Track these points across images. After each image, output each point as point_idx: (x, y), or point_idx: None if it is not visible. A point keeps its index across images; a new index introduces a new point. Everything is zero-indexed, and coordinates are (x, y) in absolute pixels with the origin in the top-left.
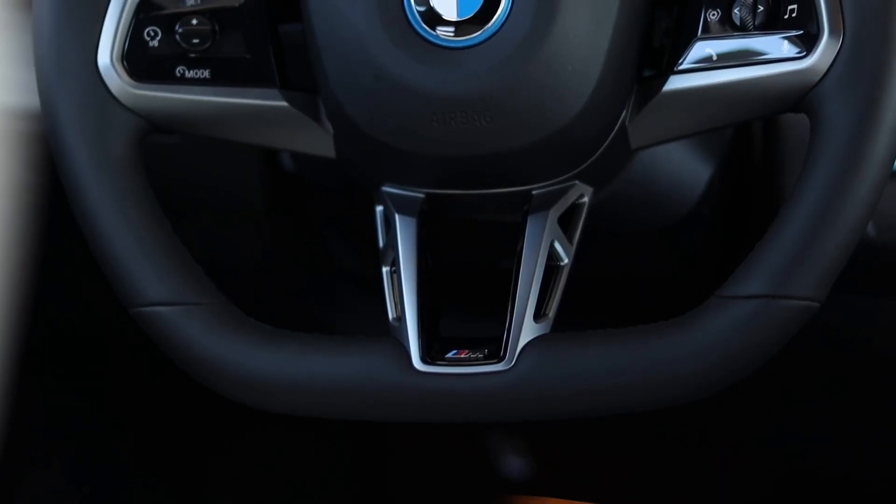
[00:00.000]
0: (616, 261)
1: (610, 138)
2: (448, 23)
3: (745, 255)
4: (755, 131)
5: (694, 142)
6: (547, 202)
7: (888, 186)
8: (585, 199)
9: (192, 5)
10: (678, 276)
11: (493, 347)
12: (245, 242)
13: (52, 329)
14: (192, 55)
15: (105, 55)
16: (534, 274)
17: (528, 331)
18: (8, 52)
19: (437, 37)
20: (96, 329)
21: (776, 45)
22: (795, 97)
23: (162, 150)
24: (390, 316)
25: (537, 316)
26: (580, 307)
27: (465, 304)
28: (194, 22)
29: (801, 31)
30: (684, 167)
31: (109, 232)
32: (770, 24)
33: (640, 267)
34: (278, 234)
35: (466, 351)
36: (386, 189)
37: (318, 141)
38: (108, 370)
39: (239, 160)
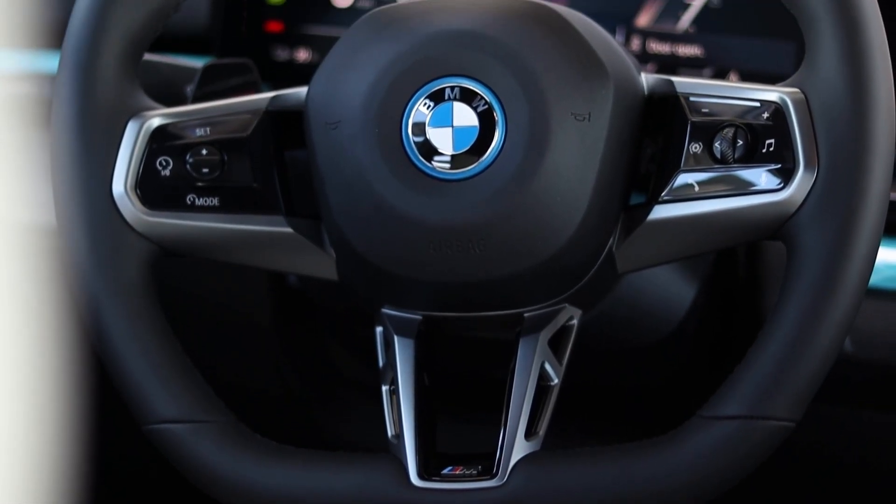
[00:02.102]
0: (603, 375)
1: (598, 264)
2: (444, 155)
3: (729, 370)
4: (738, 251)
5: (679, 263)
6: (538, 324)
7: (863, 304)
8: (574, 322)
9: (201, 136)
10: (664, 391)
11: (487, 464)
12: (253, 355)
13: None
14: (202, 183)
15: (119, 183)
16: (525, 394)
17: (519, 448)
18: (25, 170)
19: (434, 169)
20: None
21: (755, 177)
22: (773, 227)
23: (173, 269)
24: (389, 433)
25: (528, 434)
26: (569, 417)
27: (462, 411)
28: (204, 152)
29: (779, 165)
30: (669, 287)
31: (122, 353)
32: (749, 158)
33: (626, 381)
34: (285, 347)
35: (461, 467)
36: (385, 311)
37: (322, 265)
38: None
39: (247, 279)
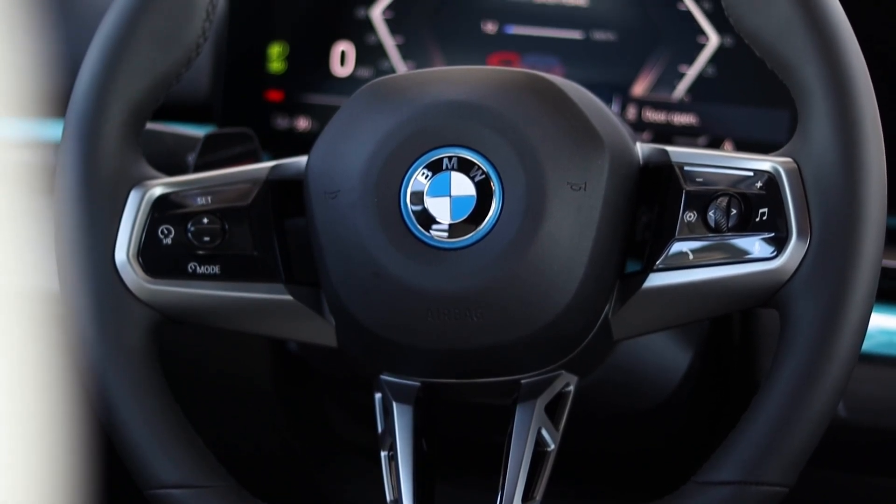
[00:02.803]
0: (600, 440)
1: (594, 331)
2: (442, 224)
3: (724, 435)
4: (733, 317)
5: (674, 329)
6: (535, 391)
7: (856, 370)
8: (571, 388)
9: (202, 205)
10: (660, 455)
11: None
12: (254, 419)
13: None
14: (203, 252)
15: (122, 252)
16: (522, 460)
17: None
18: (27, 236)
19: (432, 238)
20: None
21: (748, 246)
22: (766, 295)
23: (175, 334)
24: (388, 498)
25: (526, 499)
26: (566, 482)
27: (460, 476)
28: (205, 220)
29: (772, 233)
30: (665, 353)
31: (124, 418)
32: (742, 226)
33: (622, 446)
34: (285, 411)
35: None
36: (384, 378)
37: (321, 332)
38: None
39: (247, 344)
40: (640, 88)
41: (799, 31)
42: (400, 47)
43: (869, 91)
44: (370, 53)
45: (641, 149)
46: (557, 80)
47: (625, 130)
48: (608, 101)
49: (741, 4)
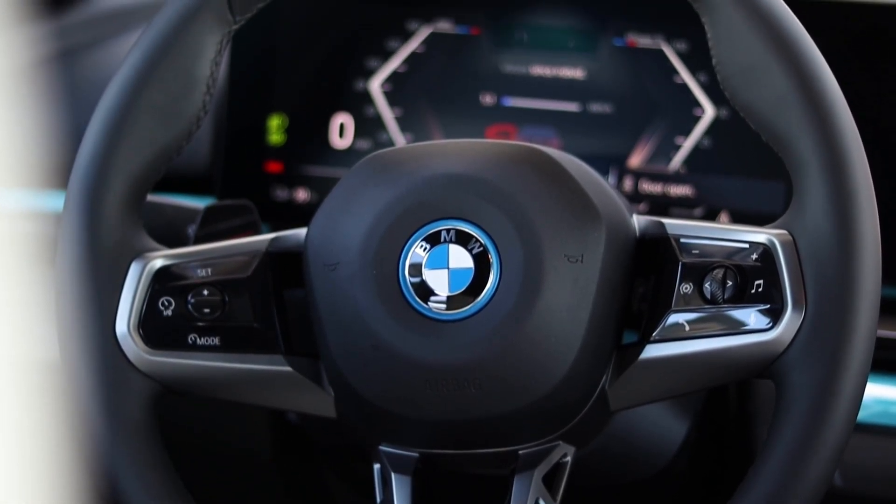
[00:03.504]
0: None
1: (591, 402)
2: (440, 296)
3: None
4: (729, 387)
5: (671, 400)
6: (532, 462)
7: (852, 439)
8: (568, 458)
9: (202, 277)
10: None
11: None
12: (253, 489)
13: None
14: (203, 323)
15: (122, 324)
16: None
17: None
18: (28, 306)
19: (431, 310)
20: None
21: (744, 317)
22: (762, 366)
23: (175, 404)
24: None
25: None
26: None
27: None
28: (205, 292)
29: (768, 305)
30: (661, 423)
31: (125, 489)
32: (738, 298)
33: None
34: (285, 482)
35: None
36: (383, 448)
37: (320, 403)
38: None
39: (247, 414)
40: (636, 160)
41: (794, 104)
42: (398, 119)
43: (863, 164)
44: (369, 125)
45: (638, 221)
46: (555, 153)
47: (621, 203)
48: (605, 173)
49: (736, 77)
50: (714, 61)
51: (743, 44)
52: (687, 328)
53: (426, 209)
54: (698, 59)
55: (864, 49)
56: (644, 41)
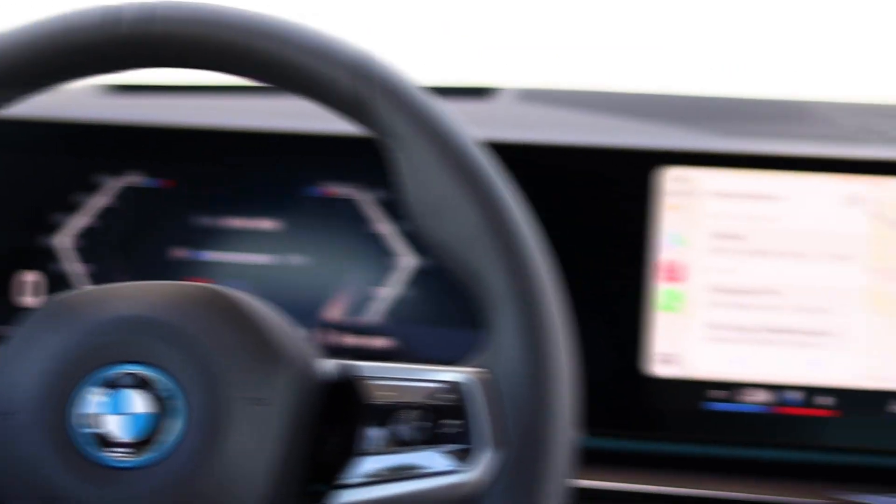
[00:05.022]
0: None
1: None
2: (120, 443)
3: None
4: None
5: None
6: None
7: None
8: None
9: None
10: None
11: None
12: None
13: None
14: None
15: None
16: None
17: None
18: None
19: (109, 458)
20: None
21: (437, 459)
22: None
23: None
24: None
25: None
26: None
27: None
28: None
29: (462, 446)
30: None
31: None
32: (431, 440)
33: None
34: None
35: None
36: None
37: None
38: None
39: None
40: (333, 312)
41: (485, 240)
42: (92, 276)
43: (556, 300)
44: (61, 282)
45: (326, 364)
46: (239, 295)
47: (310, 348)
48: (304, 325)
49: (429, 215)
50: (407, 198)
51: (434, 180)
52: (378, 473)
53: (103, 353)
54: (396, 208)
55: (556, 187)
56: (340, 190)
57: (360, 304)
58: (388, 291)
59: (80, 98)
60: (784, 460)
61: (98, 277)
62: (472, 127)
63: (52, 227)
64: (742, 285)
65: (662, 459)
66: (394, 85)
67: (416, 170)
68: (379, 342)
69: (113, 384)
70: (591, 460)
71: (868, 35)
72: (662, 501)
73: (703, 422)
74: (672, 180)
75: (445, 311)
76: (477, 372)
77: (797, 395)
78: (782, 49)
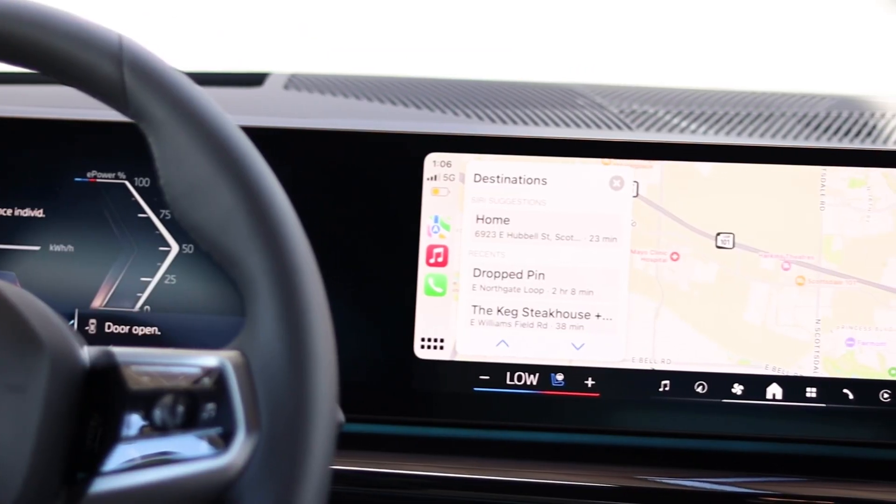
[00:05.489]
0: None
1: None
2: None
3: None
4: None
5: None
6: None
7: None
8: None
9: None
10: None
11: None
12: None
13: None
14: None
15: None
16: None
17: None
18: None
19: None
20: None
21: (194, 444)
22: (215, 494)
23: None
24: None
25: None
26: None
27: None
28: None
29: (219, 429)
30: None
31: None
32: (189, 424)
33: None
34: None
35: None
36: None
37: None
38: None
39: None
40: (100, 300)
41: (241, 222)
42: None
43: (315, 281)
44: None
45: (88, 352)
46: None
47: (70, 334)
48: (69, 315)
49: (184, 197)
50: (162, 182)
51: (189, 162)
52: (137, 459)
53: None
54: (161, 195)
55: (324, 173)
56: (106, 177)
57: (126, 291)
58: (154, 278)
59: None
60: (553, 442)
61: None
62: (242, 114)
63: None
64: (507, 268)
65: (431, 443)
66: (147, 68)
67: (171, 153)
68: (144, 329)
69: None
70: (356, 444)
71: (633, 20)
72: (430, 484)
73: (470, 405)
74: (436, 165)
75: (211, 297)
76: (233, 355)
77: (562, 377)
78: (549, 34)
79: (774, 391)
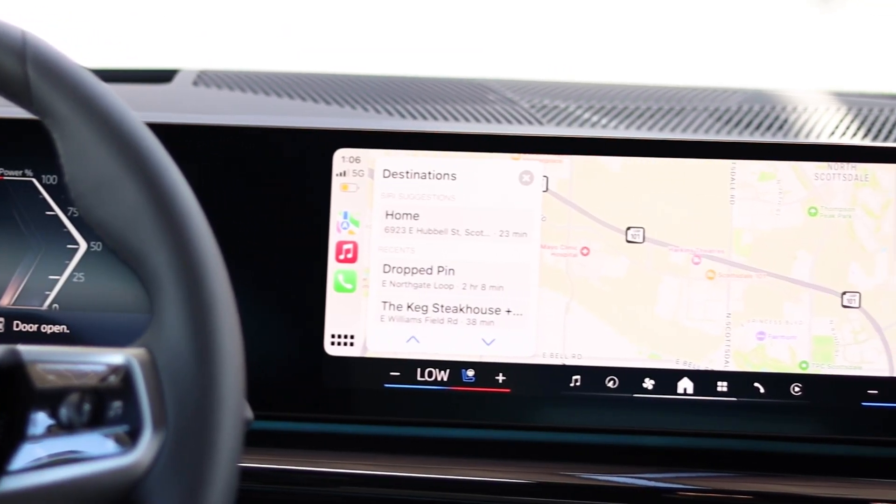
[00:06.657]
0: None
1: None
2: None
3: None
4: None
5: None
6: None
7: None
8: None
9: None
10: None
11: None
12: None
13: None
14: None
15: None
16: None
17: None
18: None
19: None
20: None
21: (100, 442)
22: (122, 493)
23: None
24: None
25: None
26: None
27: None
28: None
29: (126, 427)
30: None
31: None
32: (96, 423)
33: None
34: None
35: None
36: None
37: None
38: None
39: None
40: (7, 299)
41: (146, 218)
42: None
43: (221, 277)
44: None
45: None
46: None
47: None
48: None
49: (89, 194)
50: (66, 178)
51: (93, 159)
52: (43, 458)
53: None
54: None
55: (234, 170)
56: (13, 175)
57: (34, 289)
58: (62, 276)
59: None
60: (465, 438)
61: None
62: (152, 111)
63: None
64: (417, 264)
65: (342, 440)
66: (51, 65)
67: (75, 150)
68: (53, 328)
69: None
70: (267, 441)
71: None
72: (342, 482)
73: (381, 401)
74: (345, 160)
75: (120, 294)
76: (139, 352)
77: (473, 373)
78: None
79: (685, 385)
